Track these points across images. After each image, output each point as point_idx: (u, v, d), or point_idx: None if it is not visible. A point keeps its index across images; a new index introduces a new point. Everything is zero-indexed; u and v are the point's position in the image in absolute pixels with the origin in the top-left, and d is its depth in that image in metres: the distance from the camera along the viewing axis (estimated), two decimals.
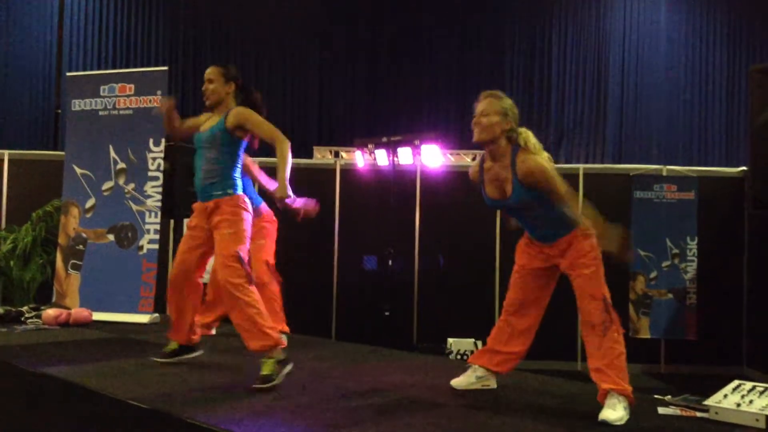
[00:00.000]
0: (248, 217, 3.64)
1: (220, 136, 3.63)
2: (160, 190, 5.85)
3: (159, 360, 3.83)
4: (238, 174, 3.70)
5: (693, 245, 7.16)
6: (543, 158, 3.06)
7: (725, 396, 3.01)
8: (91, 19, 11.70)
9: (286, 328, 4.68)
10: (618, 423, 2.80)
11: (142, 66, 10.98)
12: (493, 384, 3.44)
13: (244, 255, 3.48)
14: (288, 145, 3.52)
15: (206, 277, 4.15)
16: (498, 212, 7.16)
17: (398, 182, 7.28)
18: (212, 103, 3.75)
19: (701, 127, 11.64)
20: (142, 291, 5.72)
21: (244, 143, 3.70)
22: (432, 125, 11.16)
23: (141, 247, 5.82)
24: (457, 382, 3.44)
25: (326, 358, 4.26)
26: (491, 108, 3.10)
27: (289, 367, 3.41)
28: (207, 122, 3.79)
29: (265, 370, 3.33)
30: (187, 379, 3.50)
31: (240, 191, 3.67)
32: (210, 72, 3.77)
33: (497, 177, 3.13)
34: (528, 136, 3.12)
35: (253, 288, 3.45)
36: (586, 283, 3.02)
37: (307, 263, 7.48)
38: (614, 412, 2.83)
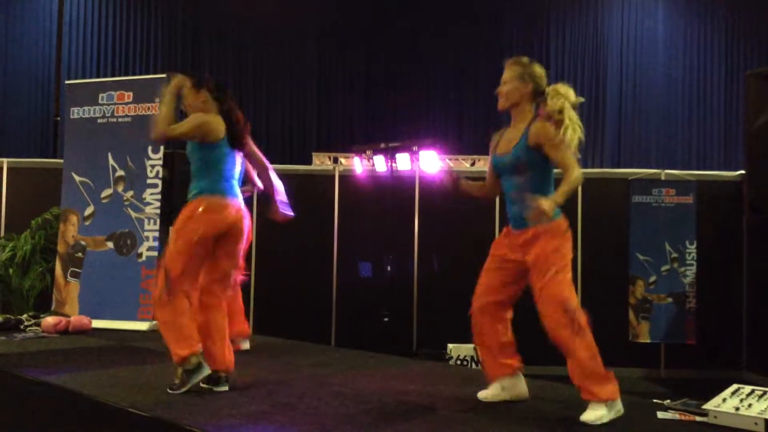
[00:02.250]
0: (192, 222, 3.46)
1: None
2: (159, 197, 5.86)
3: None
4: (210, 178, 3.52)
5: (692, 249, 7.16)
6: (570, 118, 2.98)
7: (724, 400, 3.01)
8: (90, 28, 11.74)
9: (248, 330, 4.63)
10: (597, 422, 2.81)
11: (140, 73, 11.01)
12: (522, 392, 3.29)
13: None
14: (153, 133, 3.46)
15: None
16: (497, 214, 7.17)
17: (396, 188, 7.29)
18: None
19: (699, 131, 11.67)
20: (142, 298, 5.71)
21: (213, 145, 3.51)
22: (430, 131, 11.17)
23: (140, 255, 5.82)
24: (484, 394, 3.29)
25: (325, 365, 4.26)
26: (509, 75, 3.13)
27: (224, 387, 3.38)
28: None
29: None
30: None
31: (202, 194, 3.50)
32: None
33: (510, 138, 3.16)
34: (555, 93, 3.03)
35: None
36: (548, 284, 2.93)
37: (307, 269, 7.48)
38: (593, 412, 2.84)
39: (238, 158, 3.70)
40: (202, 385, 3.36)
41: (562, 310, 2.88)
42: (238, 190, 3.65)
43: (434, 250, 7.54)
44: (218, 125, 3.53)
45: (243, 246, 3.66)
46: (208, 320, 3.45)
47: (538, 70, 3.14)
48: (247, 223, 3.64)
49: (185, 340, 3.32)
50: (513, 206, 3.15)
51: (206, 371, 3.34)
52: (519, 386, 3.26)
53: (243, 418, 2.86)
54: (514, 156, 3.10)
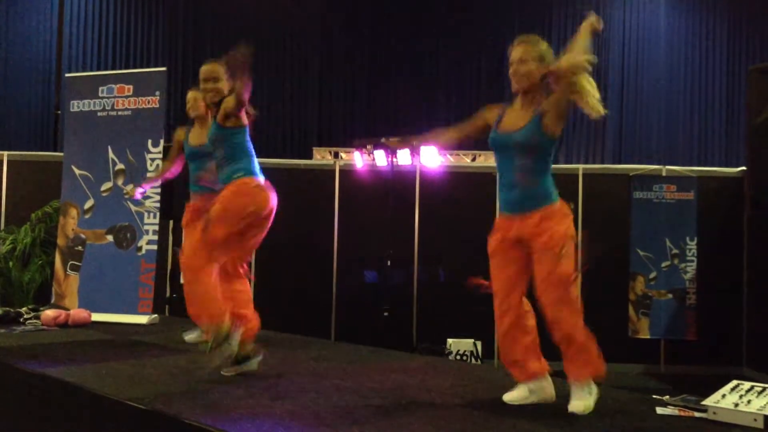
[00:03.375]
0: None
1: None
2: (158, 191, 5.84)
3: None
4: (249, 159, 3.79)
5: (692, 245, 7.15)
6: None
7: (723, 396, 3.00)
8: (91, 20, 11.71)
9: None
10: (585, 412, 2.86)
11: (141, 67, 10.98)
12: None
13: None
14: None
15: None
16: (497, 209, 7.16)
17: (397, 183, 7.28)
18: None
19: (701, 127, 11.65)
20: (141, 292, 5.71)
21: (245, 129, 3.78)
22: (431, 126, 11.15)
23: (140, 248, 5.81)
24: (510, 396, 3.13)
25: (325, 359, 4.26)
26: (528, 54, 3.00)
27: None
28: None
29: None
30: (185, 380, 3.50)
31: None
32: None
33: (517, 118, 3.02)
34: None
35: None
36: (560, 265, 2.88)
37: (306, 263, 7.48)
38: (581, 402, 2.92)
39: None
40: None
41: (567, 289, 2.90)
42: None
43: (436, 255, 7.53)
44: None
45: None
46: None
47: (551, 51, 3.09)
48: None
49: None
50: (513, 190, 3.03)
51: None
52: (547, 389, 3.12)
53: (242, 412, 2.86)
54: (523, 136, 2.96)
